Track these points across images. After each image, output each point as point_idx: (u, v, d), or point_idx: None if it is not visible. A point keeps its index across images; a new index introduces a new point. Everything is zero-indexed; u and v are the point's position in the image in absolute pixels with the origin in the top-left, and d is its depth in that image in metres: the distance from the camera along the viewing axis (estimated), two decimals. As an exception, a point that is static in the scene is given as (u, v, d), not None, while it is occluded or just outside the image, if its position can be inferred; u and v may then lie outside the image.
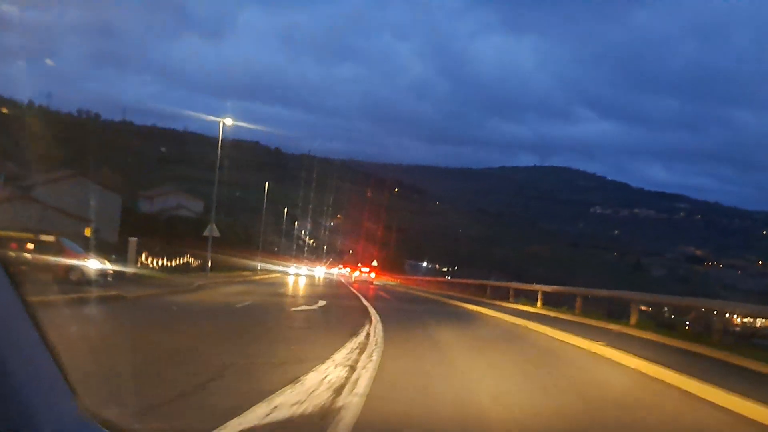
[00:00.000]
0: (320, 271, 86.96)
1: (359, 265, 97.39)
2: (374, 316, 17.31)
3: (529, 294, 29.64)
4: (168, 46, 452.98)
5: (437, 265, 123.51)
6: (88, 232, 46.81)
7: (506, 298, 30.93)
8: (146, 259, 32.48)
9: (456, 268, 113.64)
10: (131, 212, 58.78)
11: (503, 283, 38.34)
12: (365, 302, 24.80)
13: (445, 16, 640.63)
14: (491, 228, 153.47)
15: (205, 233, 37.85)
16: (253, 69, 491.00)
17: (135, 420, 5.08)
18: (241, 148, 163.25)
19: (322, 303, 22.28)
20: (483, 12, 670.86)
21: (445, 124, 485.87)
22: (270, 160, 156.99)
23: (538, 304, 26.50)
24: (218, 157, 40.12)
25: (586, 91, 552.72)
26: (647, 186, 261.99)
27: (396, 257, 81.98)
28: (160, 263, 36.03)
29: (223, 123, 38.54)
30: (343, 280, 62.92)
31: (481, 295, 34.69)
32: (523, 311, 23.70)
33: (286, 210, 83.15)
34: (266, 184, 66.18)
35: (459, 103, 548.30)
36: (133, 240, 29.53)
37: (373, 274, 75.13)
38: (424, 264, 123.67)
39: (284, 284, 41.47)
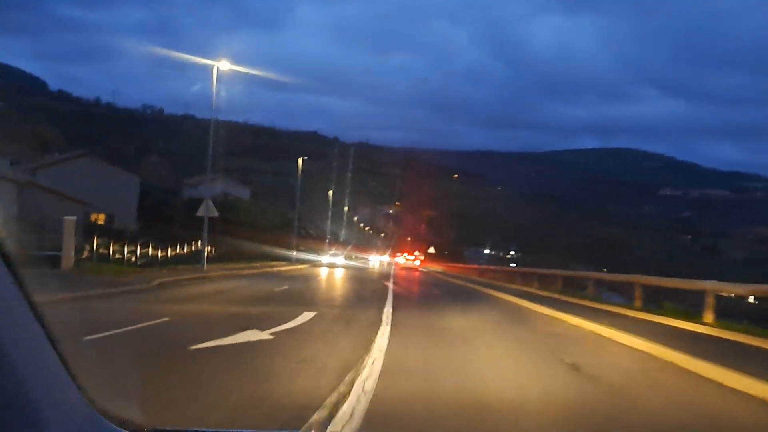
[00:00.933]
0: (375, 260, 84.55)
1: (405, 252, 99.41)
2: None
3: (622, 288, 23.56)
4: (226, 41, 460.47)
5: (502, 253, 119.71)
6: (99, 218, 43.54)
7: (583, 293, 22.83)
8: (133, 246, 29.34)
9: (519, 254, 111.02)
10: (161, 197, 57.24)
11: (585, 273, 28.29)
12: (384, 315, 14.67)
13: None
14: (555, 212, 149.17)
15: (199, 213, 29.90)
16: (310, 61, 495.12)
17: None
18: (299, 137, 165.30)
19: (305, 317, 13.29)
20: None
21: (503, 109, 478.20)
22: (328, 149, 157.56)
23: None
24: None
25: (648, 68, 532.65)
26: (718, 166, 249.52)
27: (456, 244, 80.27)
28: (161, 252, 32.98)
29: (217, 67, 30.25)
30: (392, 271, 52.15)
31: (548, 287, 26.74)
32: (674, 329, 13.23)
33: (331, 195, 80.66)
34: (300, 160, 62.99)
35: (516, 87, 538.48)
36: (69, 220, 22.42)
37: (418, 261, 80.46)
38: (486, 251, 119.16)
39: (298, 278, 33.11)
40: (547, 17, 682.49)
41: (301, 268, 47.07)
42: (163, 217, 46.82)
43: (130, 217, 44.38)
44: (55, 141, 66.11)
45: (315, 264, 56.49)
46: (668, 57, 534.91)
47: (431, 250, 75.55)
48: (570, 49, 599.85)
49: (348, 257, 67.51)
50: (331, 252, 64.83)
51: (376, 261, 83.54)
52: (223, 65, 30.20)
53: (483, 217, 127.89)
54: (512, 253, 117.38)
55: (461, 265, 64.39)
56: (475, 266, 59.86)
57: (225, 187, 60.70)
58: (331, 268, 50.69)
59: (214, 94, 30.73)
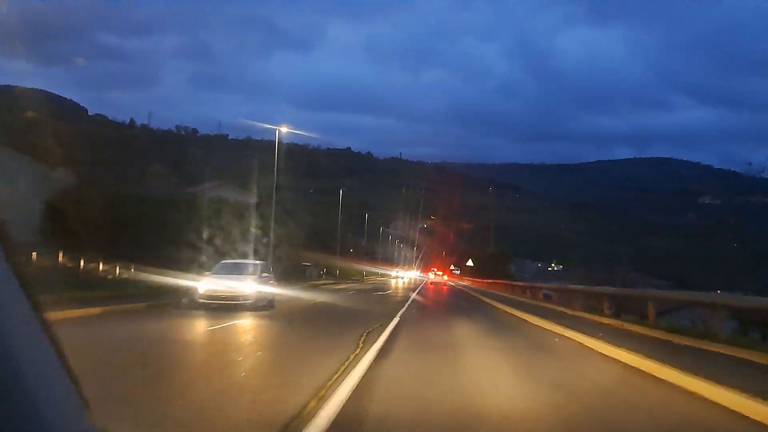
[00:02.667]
0: (402, 276, 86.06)
1: (435, 268, 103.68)
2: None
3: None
4: (260, 64, 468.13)
5: (553, 266, 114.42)
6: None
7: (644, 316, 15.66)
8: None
9: (561, 267, 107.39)
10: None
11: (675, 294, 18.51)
12: None
13: (528, 13, 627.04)
14: (594, 222, 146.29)
15: None
16: (342, 80, 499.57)
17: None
18: (332, 155, 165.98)
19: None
20: (567, 4, 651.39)
21: (536, 121, 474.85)
22: (361, 166, 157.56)
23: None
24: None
25: (682, 77, 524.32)
26: (758, 173, 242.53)
27: (495, 257, 77.61)
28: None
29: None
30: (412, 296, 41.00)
31: (593, 309, 19.27)
32: None
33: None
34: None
35: (549, 99, 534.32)
36: None
37: (445, 277, 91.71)
38: (536, 264, 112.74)
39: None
40: (577, 29, 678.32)
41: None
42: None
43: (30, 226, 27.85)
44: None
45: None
46: (701, 64, 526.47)
47: (469, 263, 73.70)
48: (601, 60, 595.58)
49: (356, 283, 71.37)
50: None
51: (404, 277, 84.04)
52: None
53: (520, 230, 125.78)
54: (553, 266, 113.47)
55: (492, 281, 51.42)
56: (518, 283, 45.03)
57: (229, 194, 55.72)
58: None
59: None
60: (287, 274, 39.17)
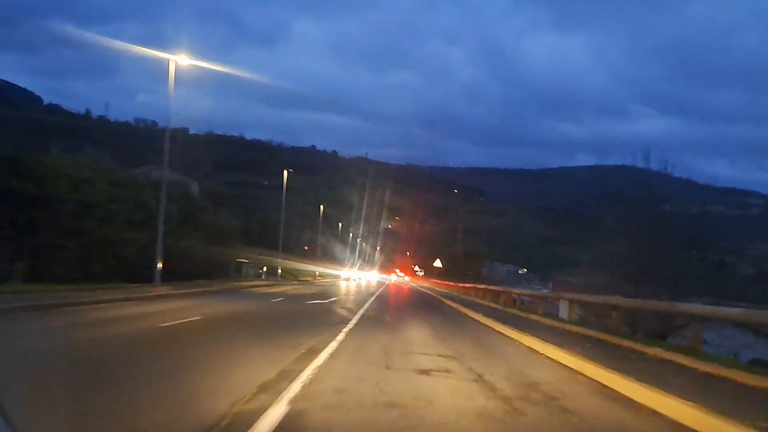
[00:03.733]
0: (366, 277, 79.22)
1: (397, 270, 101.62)
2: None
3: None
4: (224, 58, 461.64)
5: (525, 269, 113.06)
6: None
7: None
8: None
9: (526, 270, 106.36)
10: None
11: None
12: None
13: (494, 17, 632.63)
14: (558, 227, 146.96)
15: None
16: (307, 77, 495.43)
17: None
18: (297, 153, 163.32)
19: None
20: (532, 10, 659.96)
21: (500, 126, 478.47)
22: (327, 164, 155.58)
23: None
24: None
25: (644, 87, 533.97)
26: (714, 182, 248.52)
27: (463, 259, 73.44)
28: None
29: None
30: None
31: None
32: None
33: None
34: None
35: (513, 105, 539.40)
36: None
37: (407, 278, 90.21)
38: (507, 267, 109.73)
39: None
40: (542, 36, 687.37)
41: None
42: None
43: None
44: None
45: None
46: (664, 76, 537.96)
47: (437, 263, 68.20)
48: (565, 67, 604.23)
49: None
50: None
51: (362, 279, 76.06)
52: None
53: (485, 233, 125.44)
54: (525, 270, 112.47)
55: (468, 285, 44.61)
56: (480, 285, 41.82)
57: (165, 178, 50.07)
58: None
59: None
60: (206, 271, 33.50)
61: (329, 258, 78.55)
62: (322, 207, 70.96)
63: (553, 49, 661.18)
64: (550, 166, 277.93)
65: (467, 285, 41.37)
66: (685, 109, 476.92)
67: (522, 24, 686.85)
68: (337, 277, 69.11)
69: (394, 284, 65.48)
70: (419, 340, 12.43)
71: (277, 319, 15.94)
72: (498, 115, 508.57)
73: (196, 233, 32.66)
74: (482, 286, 35.92)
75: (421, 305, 26.82)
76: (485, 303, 26.65)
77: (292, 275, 59.64)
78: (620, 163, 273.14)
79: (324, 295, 29.40)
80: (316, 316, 17.24)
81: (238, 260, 45.57)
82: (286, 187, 50.78)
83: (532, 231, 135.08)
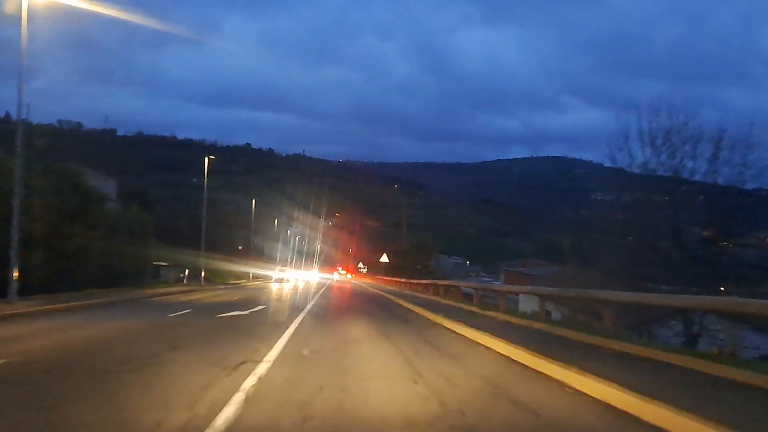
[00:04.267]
0: (301, 277, 72.56)
1: (340, 267, 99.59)
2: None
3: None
4: (152, 57, 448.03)
5: (468, 262, 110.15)
6: None
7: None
8: None
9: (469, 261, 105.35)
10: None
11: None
12: None
13: (426, 12, 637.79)
14: (497, 219, 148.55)
15: None
16: (240, 76, 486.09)
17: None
18: (231, 152, 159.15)
19: None
20: (463, 5, 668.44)
21: (436, 121, 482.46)
22: (263, 162, 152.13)
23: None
24: None
25: (573, 79, 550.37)
26: (645, 171, 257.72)
27: (413, 251, 67.30)
28: None
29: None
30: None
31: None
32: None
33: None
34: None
35: (448, 99, 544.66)
36: None
37: (349, 276, 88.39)
38: (454, 259, 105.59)
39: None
40: (473, 30, 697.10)
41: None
42: None
43: None
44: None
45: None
46: (591, 68, 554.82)
47: (383, 258, 61.39)
48: (497, 61, 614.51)
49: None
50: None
51: (299, 279, 68.29)
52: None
53: (427, 227, 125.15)
54: (468, 262, 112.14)
55: (405, 280, 42.79)
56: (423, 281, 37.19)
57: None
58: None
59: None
60: (110, 277, 28.22)
61: (266, 258, 75.01)
62: (254, 201, 67.24)
63: (485, 43, 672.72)
64: (486, 159, 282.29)
65: (422, 282, 35.02)
66: (612, 100, 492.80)
67: (454, 18, 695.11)
68: (272, 278, 60.20)
69: (336, 283, 57.86)
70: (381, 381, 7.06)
71: (154, 352, 9.03)
72: (434, 110, 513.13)
73: (93, 232, 26.76)
74: (445, 283, 30.09)
75: (374, 314, 18.35)
76: (452, 303, 21.28)
77: (220, 278, 54.33)
78: (553, 155, 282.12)
79: (248, 302, 22.89)
80: (223, 339, 11.16)
81: (155, 263, 40.69)
82: (208, 186, 42.43)
83: (473, 223, 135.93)
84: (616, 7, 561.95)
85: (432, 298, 26.49)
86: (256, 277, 62.76)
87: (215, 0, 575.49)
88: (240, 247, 71.20)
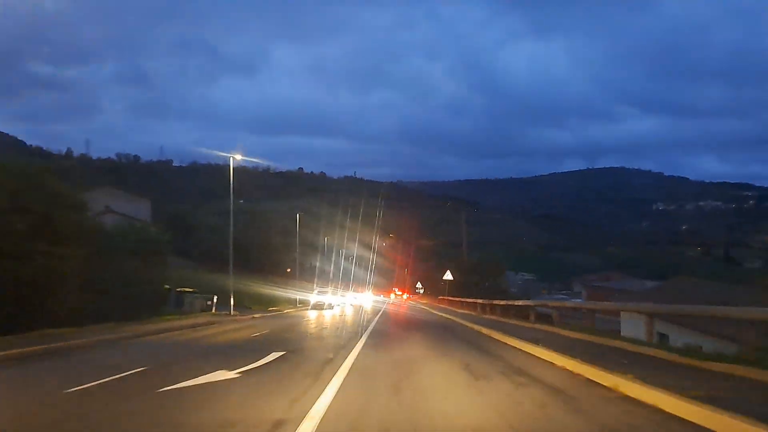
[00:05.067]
0: (355, 300, 66.83)
1: (395, 289, 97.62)
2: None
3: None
4: (204, 89, 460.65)
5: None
6: None
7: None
8: None
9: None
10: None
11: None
12: None
13: (472, 30, 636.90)
14: (556, 234, 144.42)
15: None
16: (291, 103, 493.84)
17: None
18: (284, 176, 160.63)
19: None
20: (508, 21, 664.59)
21: (487, 138, 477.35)
22: (315, 185, 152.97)
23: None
24: None
25: (625, 88, 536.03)
26: (704, 178, 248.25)
27: (477, 269, 59.96)
28: None
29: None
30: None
31: None
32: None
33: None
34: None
35: (497, 116, 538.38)
36: None
37: (405, 296, 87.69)
38: (520, 275, 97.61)
39: None
40: (521, 44, 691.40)
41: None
42: None
43: None
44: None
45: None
46: (644, 74, 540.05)
47: (447, 275, 53.07)
48: (547, 74, 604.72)
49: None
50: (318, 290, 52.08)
51: (348, 303, 61.78)
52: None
53: (484, 244, 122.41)
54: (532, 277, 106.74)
55: (483, 300, 36.30)
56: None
57: (113, 202, 42.91)
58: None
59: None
60: (112, 305, 22.76)
61: (316, 281, 70.13)
62: (298, 216, 63.30)
63: (532, 57, 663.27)
64: (540, 173, 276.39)
65: (515, 303, 27.53)
66: (669, 107, 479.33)
67: (500, 35, 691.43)
68: (319, 304, 48.30)
69: (392, 307, 51.63)
70: None
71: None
72: (483, 127, 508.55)
73: (64, 249, 19.65)
74: (555, 304, 22.41)
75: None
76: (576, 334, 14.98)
77: (260, 304, 46.87)
78: (609, 166, 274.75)
79: (264, 345, 15.64)
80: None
81: (178, 289, 35.26)
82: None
83: (531, 238, 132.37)
84: (665, 11, 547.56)
85: (525, 324, 20.39)
86: (303, 302, 54.37)
87: (261, 30, 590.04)
88: (288, 270, 67.37)
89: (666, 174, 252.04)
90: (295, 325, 25.82)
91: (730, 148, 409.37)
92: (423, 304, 62.34)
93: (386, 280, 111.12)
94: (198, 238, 65.56)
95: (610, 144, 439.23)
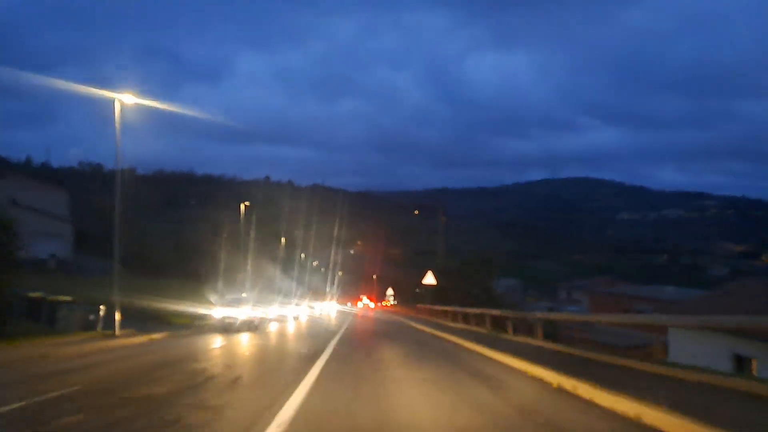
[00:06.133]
0: (322, 308, 60.87)
1: (365, 297, 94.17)
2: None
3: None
4: (169, 96, 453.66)
5: None
6: None
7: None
8: None
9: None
10: None
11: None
12: None
13: (435, 39, 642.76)
14: (524, 242, 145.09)
15: None
16: (256, 111, 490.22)
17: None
18: (250, 185, 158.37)
19: None
20: (471, 30, 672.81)
21: (453, 148, 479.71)
22: (281, 194, 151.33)
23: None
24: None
25: (587, 99, 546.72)
26: (665, 188, 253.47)
27: (464, 273, 48.49)
28: None
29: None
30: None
31: None
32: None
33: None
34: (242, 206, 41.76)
35: (462, 126, 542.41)
36: None
37: (372, 304, 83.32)
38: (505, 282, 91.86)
39: None
40: (485, 56, 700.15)
41: None
42: None
43: None
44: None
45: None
46: (605, 86, 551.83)
47: (428, 278, 40.95)
48: (510, 85, 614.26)
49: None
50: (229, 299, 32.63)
51: (309, 311, 56.38)
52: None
53: (453, 252, 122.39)
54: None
55: (443, 309, 33.17)
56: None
57: (20, 190, 38.03)
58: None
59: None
60: None
61: (275, 291, 63.93)
62: (243, 205, 57.96)
63: (496, 68, 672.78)
64: (505, 183, 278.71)
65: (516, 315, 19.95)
66: (629, 119, 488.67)
67: (464, 44, 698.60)
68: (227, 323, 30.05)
69: (360, 322, 39.86)
70: None
71: None
72: (450, 137, 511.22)
73: None
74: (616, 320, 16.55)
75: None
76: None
77: (180, 318, 34.68)
78: (573, 176, 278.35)
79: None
80: None
81: (51, 299, 25.74)
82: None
83: (498, 247, 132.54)
84: (626, 23, 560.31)
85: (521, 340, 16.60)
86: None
87: (225, 38, 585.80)
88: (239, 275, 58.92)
89: (627, 183, 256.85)
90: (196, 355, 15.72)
91: (687, 158, 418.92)
92: (396, 314, 53.91)
93: (354, 288, 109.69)
94: (127, 240, 61.91)
95: (572, 154, 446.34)
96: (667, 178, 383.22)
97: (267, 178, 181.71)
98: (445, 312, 33.83)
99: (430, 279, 39.86)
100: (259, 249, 63.17)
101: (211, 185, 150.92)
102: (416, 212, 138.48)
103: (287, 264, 75.78)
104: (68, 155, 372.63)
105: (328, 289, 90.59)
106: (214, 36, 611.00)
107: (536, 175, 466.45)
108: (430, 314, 39.31)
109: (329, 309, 64.24)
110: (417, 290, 48.08)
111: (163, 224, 75.40)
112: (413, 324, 32.27)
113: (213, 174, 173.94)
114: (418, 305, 48.37)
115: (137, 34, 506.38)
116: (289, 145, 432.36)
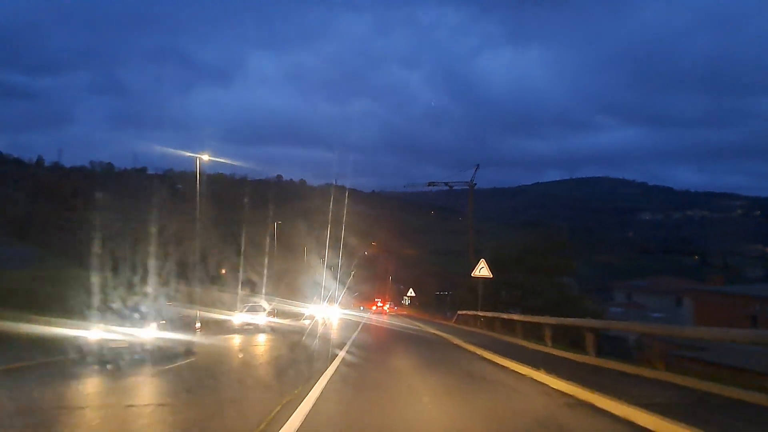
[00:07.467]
0: (328, 313, 53.56)
1: (379, 300, 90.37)
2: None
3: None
4: (180, 98, 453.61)
5: None
6: None
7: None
8: None
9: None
10: None
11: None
12: None
13: (447, 37, 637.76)
14: (545, 242, 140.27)
15: None
16: (269, 111, 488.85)
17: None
18: (262, 185, 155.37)
19: None
20: (485, 27, 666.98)
21: (467, 148, 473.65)
22: (292, 193, 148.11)
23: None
24: None
25: (605, 97, 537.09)
26: (688, 187, 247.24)
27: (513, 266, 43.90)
28: None
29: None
30: None
31: None
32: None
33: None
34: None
35: (478, 125, 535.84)
36: None
37: (386, 307, 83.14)
38: None
39: None
40: (496, 53, 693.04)
41: None
42: None
43: None
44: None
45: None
46: (622, 84, 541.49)
47: (482, 269, 33.59)
48: (524, 82, 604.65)
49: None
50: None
51: (330, 314, 51.66)
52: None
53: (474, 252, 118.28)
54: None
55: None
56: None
57: None
58: None
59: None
60: None
61: (292, 291, 59.50)
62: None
63: (511, 66, 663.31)
64: (522, 183, 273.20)
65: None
66: (649, 117, 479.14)
67: (477, 42, 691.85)
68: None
69: (374, 338, 29.74)
70: None
71: None
72: (465, 137, 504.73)
73: None
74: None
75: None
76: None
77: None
78: (592, 175, 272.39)
79: None
80: None
81: None
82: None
83: (523, 246, 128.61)
84: (644, 19, 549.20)
85: None
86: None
87: (240, 39, 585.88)
88: (223, 271, 54.24)
89: (650, 184, 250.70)
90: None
91: (708, 157, 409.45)
92: (419, 320, 43.99)
93: (370, 290, 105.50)
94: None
95: (590, 154, 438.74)
96: (687, 177, 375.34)
97: (279, 177, 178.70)
98: (512, 322, 22.92)
99: (482, 270, 29.95)
100: (279, 254, 59.58)
101: (221, 185, 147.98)
102: (432, 213, 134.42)
103: (299, 265, 72.82)
104: (81, 156, 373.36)
105: (335, 293, 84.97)
106: (226, 37, 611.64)
107: (554, 175, 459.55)
108: (485, 326, 28.38)
109: (333, 314, 54.61)
110: (438, 292, 41.18)
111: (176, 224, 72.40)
112: (459, 342, 21.84)
113: (225, 173, 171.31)
114: (459, 311, 39.12)
115: (150, 36, 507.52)
116: (301, 146, 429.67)
